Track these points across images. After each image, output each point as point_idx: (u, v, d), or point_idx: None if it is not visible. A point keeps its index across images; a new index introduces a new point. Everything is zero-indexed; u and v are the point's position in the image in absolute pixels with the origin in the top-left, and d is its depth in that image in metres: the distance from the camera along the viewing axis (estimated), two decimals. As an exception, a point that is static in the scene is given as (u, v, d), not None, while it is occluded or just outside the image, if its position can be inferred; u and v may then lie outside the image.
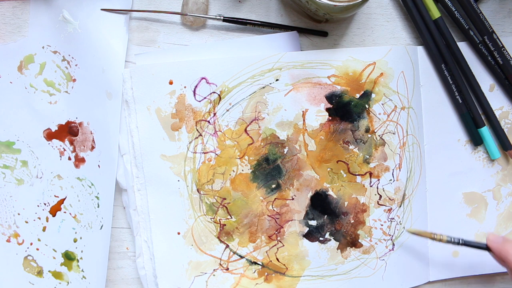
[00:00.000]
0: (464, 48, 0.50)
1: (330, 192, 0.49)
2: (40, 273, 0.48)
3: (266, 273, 0.49)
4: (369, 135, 0.49)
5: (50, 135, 0.48)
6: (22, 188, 0.48)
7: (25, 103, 0.47)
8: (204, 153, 0.47)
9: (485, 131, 0.50)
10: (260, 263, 0.49)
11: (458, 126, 0.51)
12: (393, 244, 0.50)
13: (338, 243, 0.50)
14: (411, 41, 0.50)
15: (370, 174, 0.49)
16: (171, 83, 0.46)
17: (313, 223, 0.49)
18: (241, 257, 0.49)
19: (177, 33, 0.48)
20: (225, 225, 0.48)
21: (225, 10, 0.48)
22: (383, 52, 0.48)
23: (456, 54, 0.49)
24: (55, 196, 0.48)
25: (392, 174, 0.49)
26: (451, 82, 0.49)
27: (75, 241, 0.48)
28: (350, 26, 0.49)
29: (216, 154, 0.47)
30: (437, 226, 0.51)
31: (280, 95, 0.47)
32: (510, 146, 0.50)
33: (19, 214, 0.48)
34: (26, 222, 0.48)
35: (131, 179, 0.47)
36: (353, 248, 0.50)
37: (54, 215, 0.48)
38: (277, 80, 0.47)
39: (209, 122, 0.47)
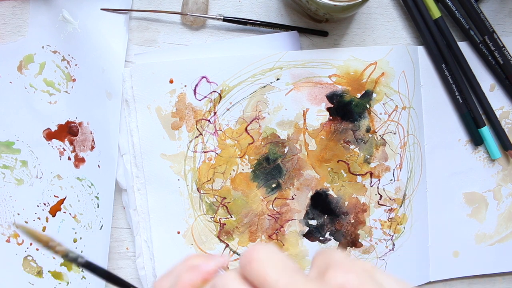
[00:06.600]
0: (464, 48, 0.50)
1: (331, 192, 0.49)
2: (40, 273, 0.48)
3: (266, 273, 0.49)
4: (370, 135, 0.49)
5: (50, 135, 0.48)
6: (22, 188, 0.48)
7: (25, 103, 0.47)
8: (204, 152, 0.47)
9: (486, 131, 0.50)
10: (261, 263, 0.49)
11: (458, 126, 0.51)
12: (393, 244, 0.50)
13: (338, 242, 0.49)
14: (412, 40, 0.50)
15: (371, 174, 0.49)
16: (171, 82, 0.46)
17: (313, 222, 0.49)
18: (242, 256, 0.49)
19: (177, 33, 0.48)
20: (225, 224, 0.48)
21: (225, 10, 0.48)
22: (385, 51, 0.48)
23: (457, 54, 0.49)
24: (55, 196, 0.48)
25: (393, 174, 0.49)
26: (451, 82, 0.49)
27: (75, 241, 0.48)
28: (351, 26, 0.49)
29: (217, 153, 0.47)
30: (437, 226, 0.51)
31: (280, 94, 0.47)
32: (510, 146, 0.50)
33: (19, 214, 0.48)
34: (26, 222, 0.48)
35: (131, 179, 0.47)
36: (353, 248, 0.50)
37: (54, 215, 0.48)
38: (278, 79, 0.47)
39: (209, 121, 0.47)
